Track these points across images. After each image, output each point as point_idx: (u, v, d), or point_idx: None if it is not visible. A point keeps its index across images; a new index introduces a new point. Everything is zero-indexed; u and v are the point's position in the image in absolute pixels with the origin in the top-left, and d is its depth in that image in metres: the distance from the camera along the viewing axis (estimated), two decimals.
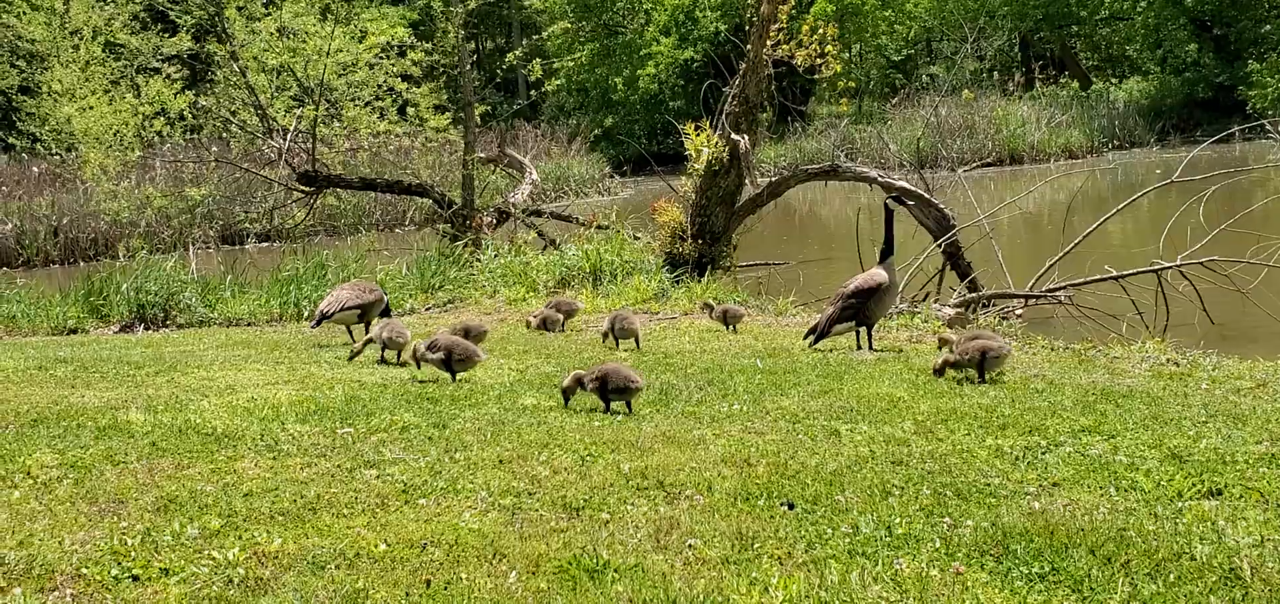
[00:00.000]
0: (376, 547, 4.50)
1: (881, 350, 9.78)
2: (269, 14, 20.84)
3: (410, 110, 21.66)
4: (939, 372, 8.12)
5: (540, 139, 41.98)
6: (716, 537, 4.59)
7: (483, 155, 22.86)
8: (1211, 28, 44.74)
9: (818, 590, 4.07)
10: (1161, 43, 47.18)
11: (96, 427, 6.66)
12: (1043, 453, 5.82)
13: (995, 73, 51.75)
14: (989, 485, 5.25)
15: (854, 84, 42.70)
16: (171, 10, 22.14)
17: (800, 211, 30.05)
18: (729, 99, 15.98)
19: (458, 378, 8.45)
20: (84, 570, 4.25)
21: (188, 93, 21.20)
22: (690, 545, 4.50)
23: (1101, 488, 5.21)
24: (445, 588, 4.12)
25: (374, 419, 6.85)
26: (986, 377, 7.97)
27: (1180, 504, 4.97)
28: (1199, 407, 6.93)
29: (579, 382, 7.31)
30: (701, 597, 4.03)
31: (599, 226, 18.82)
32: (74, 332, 14.44)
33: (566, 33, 46.34)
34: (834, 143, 31.42)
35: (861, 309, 9.74)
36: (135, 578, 4.22)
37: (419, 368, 8.74)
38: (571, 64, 46.86)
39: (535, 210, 22.13)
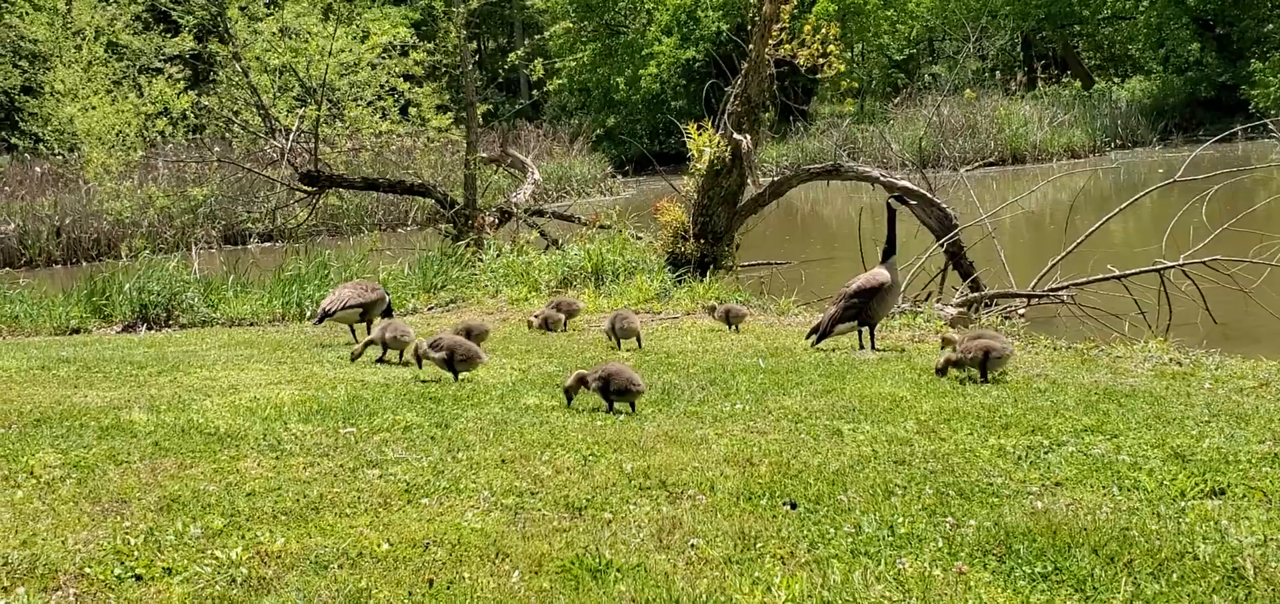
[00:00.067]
0: (379, 546, 4.51)
1: (884, 350, 9.78)
2: (271, 14, 20.85)
3: (412, 110, 21.66)
4: (942, 371, 8.12)
5: (542, 139, 41.98)
6: (719, 536, 4.59)
7: (485, 155, 22.87)
8: (1214, 27, 44.71)
9: (820, 590, 4.07)
10: (1164, 42, 47.14)
11: (99, 426, 6.66)
12: (1045, 452, 5.82)
13: (997, 72, 51.73)
14: (992, 485, 5.24)
15: (856, 83, 42.62)
16: (174, 10, 22.17)
17: (802, 211, 30.05)
18: (731, 99, 15.98)
19: (460, 377, 8.45)
20: (87, 570, 4.25)
21: (190, 93, 21.21)
22: (693, 545, 4.50)
23: (1104, 487, 5.20)
24: (448, 587, 4.13)
25: (377, 419, 6.85)
26: (989, 376, 7.97)
27: (1183, 504, 4.96)
28: (1202, 406, 6.92)
29: (582, 381, 7.32)
30: (704, 596, 4.03)
31: (601, 226, 18.84)
32: (77, 331, 14.45)
33: (568, 32, 46.34)
34: (836, 142, 31.44)
35: (864, 309, 9.74)
36: (138, 577, 4.22)
37: (421, 367, 8.76)
38: (573, 64, 46.87)
39: (537, 210, 22.15)
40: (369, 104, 21.27)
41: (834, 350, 9.77)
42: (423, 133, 21.77)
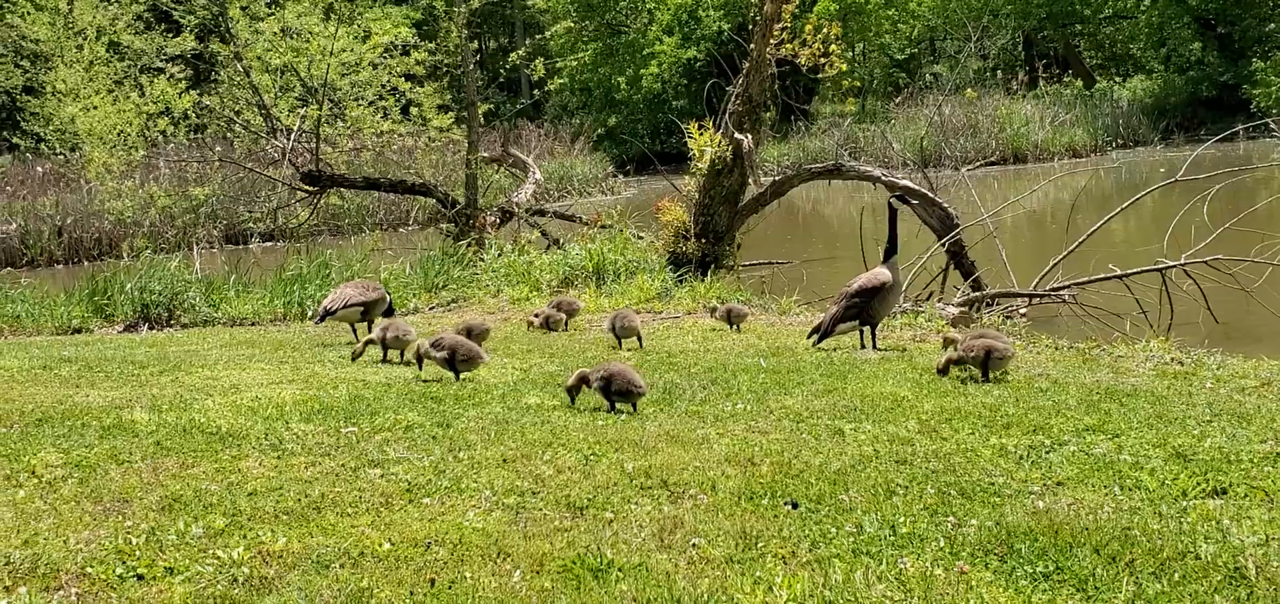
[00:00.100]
0: (381, 546, 4.51)
1: (885, 349, 9.78)
2: (272, 14, 20.85)
3: (414, 110, 21.66)
4: (943, 370, 8.12)
5: (543, 138, 41.99)
6: (720, 536, 4.59)
7: (486, 155, 22.87)
8: (1215, 26, 44.69)
9: (822, 590, 4.07)
10: (1165, 41, 47.12)
11: (101, 426, 6.66)
12: (1047, 452, 5.81)
13: (999, 71, 51.74)
14: (993, 484, 5.24)
15: (858, 83, 42.66)
16: (175, 10, 22.17)
17: (804, 211, 30.05)
18: (732, 98, 15.98)
19: (461, 377, 8.46)
20: (89, 569, 4.26)
21: (192, 92, 21.21)
22: (694, 545, 4.50)
23: (1106, 487, 5.20)
24: (449, 587, 4.13)
25: (378, 418, 6.86)
26: (990, 376, 7.96)
27: (1185, 503, 4.96)
28: (1203, 406, 6.92)
29: (584, 380, 7.32)
30: (706, 596, 4.03)
31: (602, 226, 18.84)
32: (78, 331, 14.46)
33: (569, 32, 46.36)
34: (837, 142, 31.44)
35: (865, 308, 9.74)
36: (140, 577, 4.22)
37: (421, 369, 8.73)
38: (575, 63, 46.89)
39: (539, 210, 22.15)
40: (370, 104, 21.26)
41: (835, 350, 9.77)
42: (424, 132, 21.77)
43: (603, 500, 5.09)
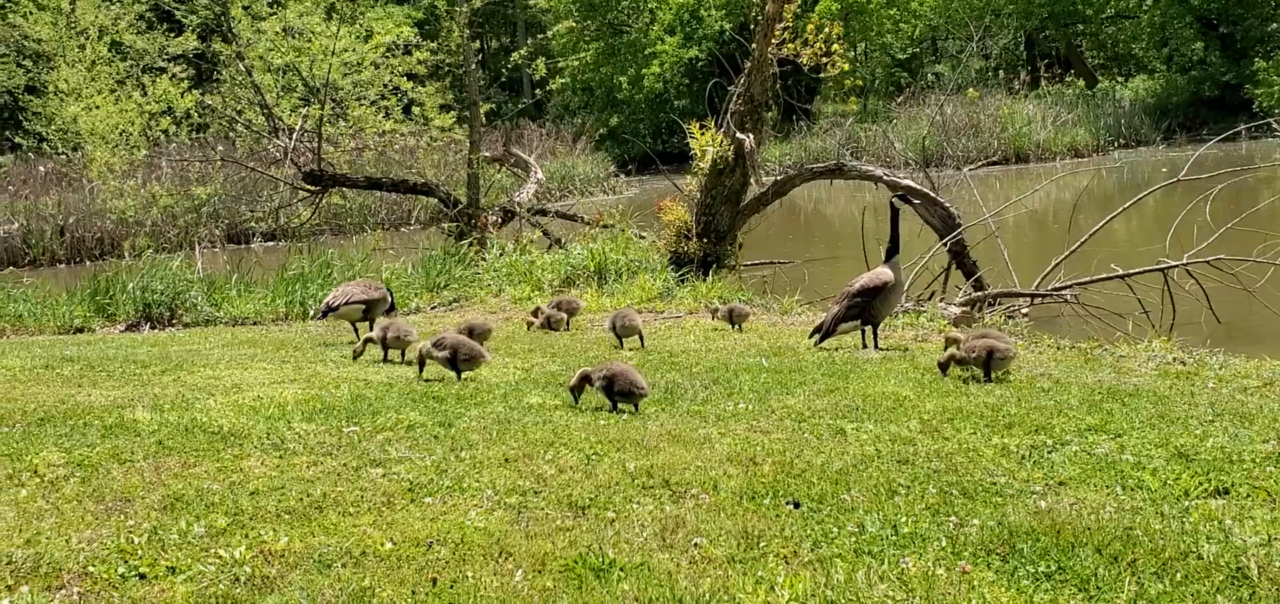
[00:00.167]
0: (382, 545, 4.51)
1: (887, 349, 9.77)
2: (274, 13, 20.86)
3: (415, 109, 21.66)
4: (943, 368, 8.12)
5: (545, 138, 42.01)
6: (722, 535, 4.59)
7: (488, 154, 22.87)
8: (1218, 26, 44.66)
9: (824, 589, 4.06)
10: (1167, 41, 47.10)
11: (103, 425, 6.67)
12: (1049, 452, 5.81)
13: (1001, 71, 51.71)
14: (995, 484, 5.24)
15: (859, 82, 42.65)
16: (177, 10, 22.19)
17: (805, 210, 30.04)
18: (734, 98, 15.98)
19: (463, 377, 8.45)
20: (91, 568, 4.26)
21: (193, 92, 21.23)
22: (696, 544, 4.50)
23: (1108, 487, 5.20)
24: (451, 586, 4.12)
25: (380, 418, 6.86)
26: (992, 376, 7.96)
27: (1187, 503, 4.96)
28: (1206, 406, 6.91)
29: (587, 379, 7.31)
30: (707, 595, 4.03)
31: (604, 226, 18.84)
32: (80, 331, 14.47)
33: (571, 32, 46.36)
34: (839, 141, 31.48)
35: (867, 308, 9.73)
36: (142, 576, 4.22)
37: (422, 371, 8.64)
38: (576, 63, 46.89)
39: (540, 209, 22.15)
40: (372, 103, 21.27)
41: (837, 349, 9.76)
42: (426, 132, 21.77)
43: (605, 500, 5.09)
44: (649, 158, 35.99)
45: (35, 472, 5.58)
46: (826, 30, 15.77)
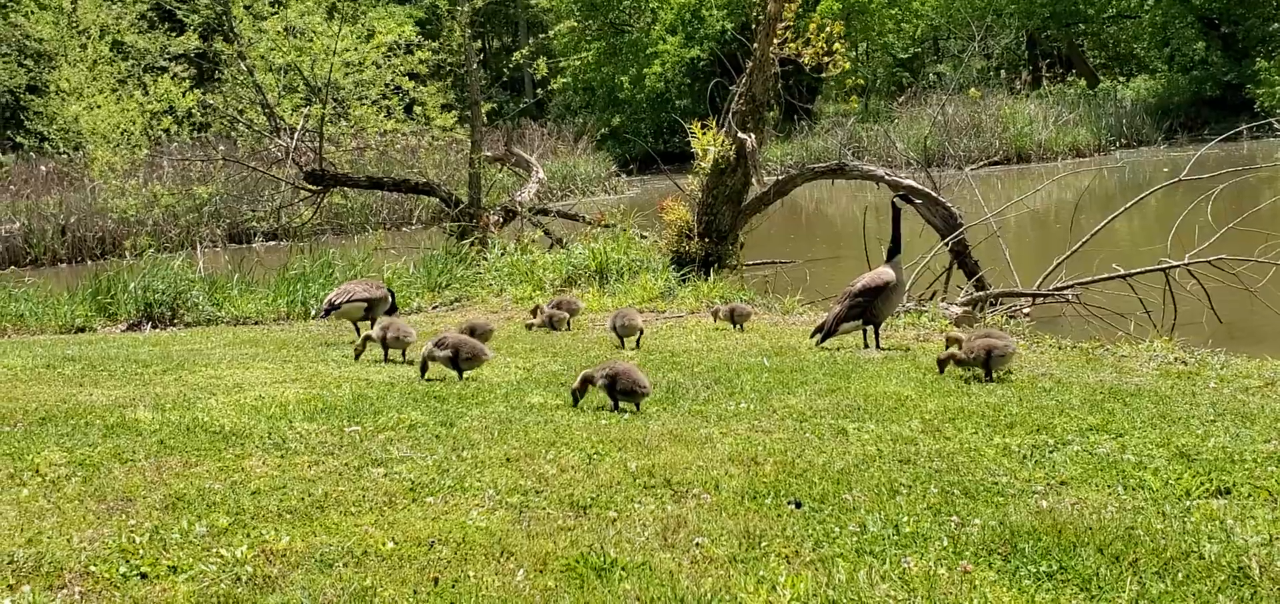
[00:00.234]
0: (384, 545, 4.51)
1: (888, 349, 9.77)
2: (276, 13, 20.86)
3: (417, 109, 21.66)
4: (941, 366, 8.12)
5: (547, 138, 42.00)
6: (724, 535, 4.59)
7: (489, 154, 22.87)
8: (1219, 26, 44.65)
9: (825, 589, 4.06)
10: (1169, 41, 47.10)
11: (104, 425, 6.67)
12: (1050, 451, 5.81)
13: (1002, 71, 51.69)
14: (997, 484, 5.24)
15: (861, 82, 42.65)
16: (178, 9, 22.18)
17: (807, 210, 30.04)
18: (735, 98, 15.98)
19: (465, 376, 8.45)
20: (92, 568, 4.26)
21: (195, 91, 21.22)
22: (697, 544, 4.50)
23: (1109, 486, 5.20)
24: (453, 586, 4.12)
25: (381, 417, 6.86)
26: (993, 375, 7.96)
27: (1188, 503, 4.96)
28: (1207, 405, 6.91)
29: (589, 381, 7.30)
30: (709, 595, 4.03)
31: (605, 225, 18.83)
32: (82, 330, 14.48)
33: (573, 31, 46.36)
34: (841, 141, 31.45)
35: (868, 308, 9.73)
36: (143, 575, 4.22)
37: (423, 373, 8.56)
38: (578, 63, 46.87)
39: (542, 209, 22.15)
40: (374, 103, 21.26)
41: (838, 349, 9.76)
42: (427, 131, 21.77)
43: (606, 499, 5.09)
44: (650, 157, 36.00)
45: (37, 471, 5.58)
46: (828, 30, 15.78)
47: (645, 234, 17.73)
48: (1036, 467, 5.54)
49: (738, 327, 11.49)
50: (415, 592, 4.09)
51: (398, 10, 30.12)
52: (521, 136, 37.67)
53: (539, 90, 46.66)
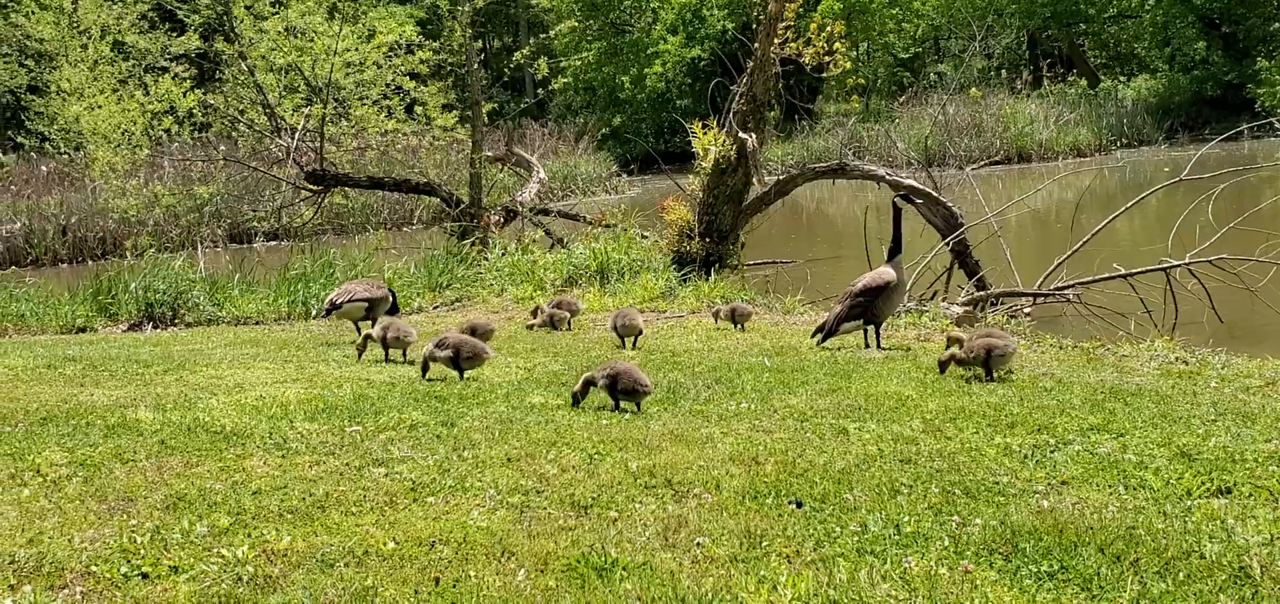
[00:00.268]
0: (385, 545, 4.51)
1: (889, 349, 9.77)
2: (276, 13, 20.87)
3: (418, 109, 21.67)
4: (942, 366, 8.11)
5: (547, 138, 42.00)
6: (725, 535, 4.59)
7: (490, 154, 22.87)
8: (1220, 25, 44.64)
9: (826, 589, 4.06)
10: (1170, 41, 47.10)
11: (105, 425, 6.67)
12: (1051, 451, 5.80)
13: (1003, 71, 51.68)
14: (997, 484, 5.24)
15: (862, 82, 42.63)
16: (179, 10, 22.20)
17: (808, 210, 30.04)
18: (736, 97, 15.98)
19: (465, 376, 8.45)
20: (93, 568, 4.26)
21: (196, 91, 21.24)
22: (698, 544, 4.50)
23: (1110, 486, 5.19)
24: (454, 586, 4.13)
25: (382, 417, 6.86)
26: (994, 375, 7.95)
27: (1189, 502, 4.95)
28: (1208, 405, 6.91)
29: (591, 382, 7.30)
30: (710, 595, 4.03)
31: (606, 225, 18.83)
32: (83, 330, 14.48)
33: (573, 31, 46.37)
34: (841, 141, 31.39)
35: (869, 307, 9.73)
36: (145, 575, 4.22)
37: (424, 373, 8.56)
38: (578, 63, 46.88)
39: (542, 209, 22.15)
40: (374, 103, 21.27)
41: (839, 349, 9.76)
42: (428, 131, 21.77)
43: (607, 499, 5.09)
44: (651, 157, 36.01)
45: (38, 471, 5.58)
46: (829, 29, 15.78)
47: (646, 234, 17.73)
48: (1037, 466, 5.54)
49: (739, 326, 11.48)
50: (416, 592, 4.09)
51: (398, 10, 30.15)
52: (522, 136, 37.67)
53: (540, 90, 46.66)
